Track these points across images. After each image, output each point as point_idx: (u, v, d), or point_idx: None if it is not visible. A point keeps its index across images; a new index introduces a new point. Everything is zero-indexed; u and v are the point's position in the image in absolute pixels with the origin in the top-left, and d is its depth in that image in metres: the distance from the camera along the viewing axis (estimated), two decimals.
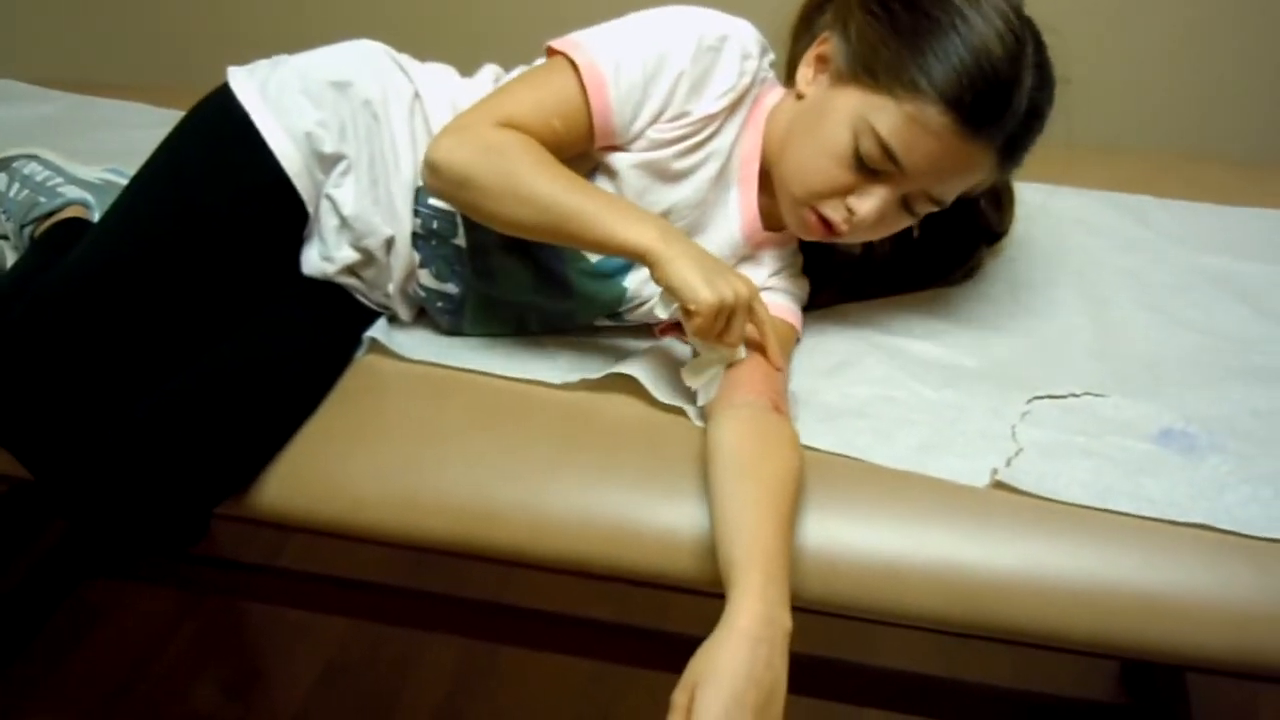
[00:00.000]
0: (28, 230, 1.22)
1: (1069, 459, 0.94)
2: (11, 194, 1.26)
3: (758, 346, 0.97)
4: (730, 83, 1.01)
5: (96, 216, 1.21)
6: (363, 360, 1.09)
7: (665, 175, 1.02)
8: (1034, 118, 0.97)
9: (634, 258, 0.93)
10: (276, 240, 1.07)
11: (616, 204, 0.95)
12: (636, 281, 1.06)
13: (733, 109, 1.02)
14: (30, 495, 1.00)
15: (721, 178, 1.05)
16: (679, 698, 0.76)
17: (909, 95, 0.93)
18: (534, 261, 1.06)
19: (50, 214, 1.22)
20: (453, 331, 1.12)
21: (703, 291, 0.89)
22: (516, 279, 1.07)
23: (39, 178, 1.25)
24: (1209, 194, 1.34)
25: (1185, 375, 1.05)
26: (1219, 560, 0.86)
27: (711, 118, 1.01)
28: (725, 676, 0.75)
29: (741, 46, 1.01)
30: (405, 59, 1.11)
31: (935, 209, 1.01)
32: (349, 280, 1.09)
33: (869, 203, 0.98)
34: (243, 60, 1.12)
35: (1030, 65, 0.95)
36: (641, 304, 1.07)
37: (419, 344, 1.10)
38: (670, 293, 0.92)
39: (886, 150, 0.95)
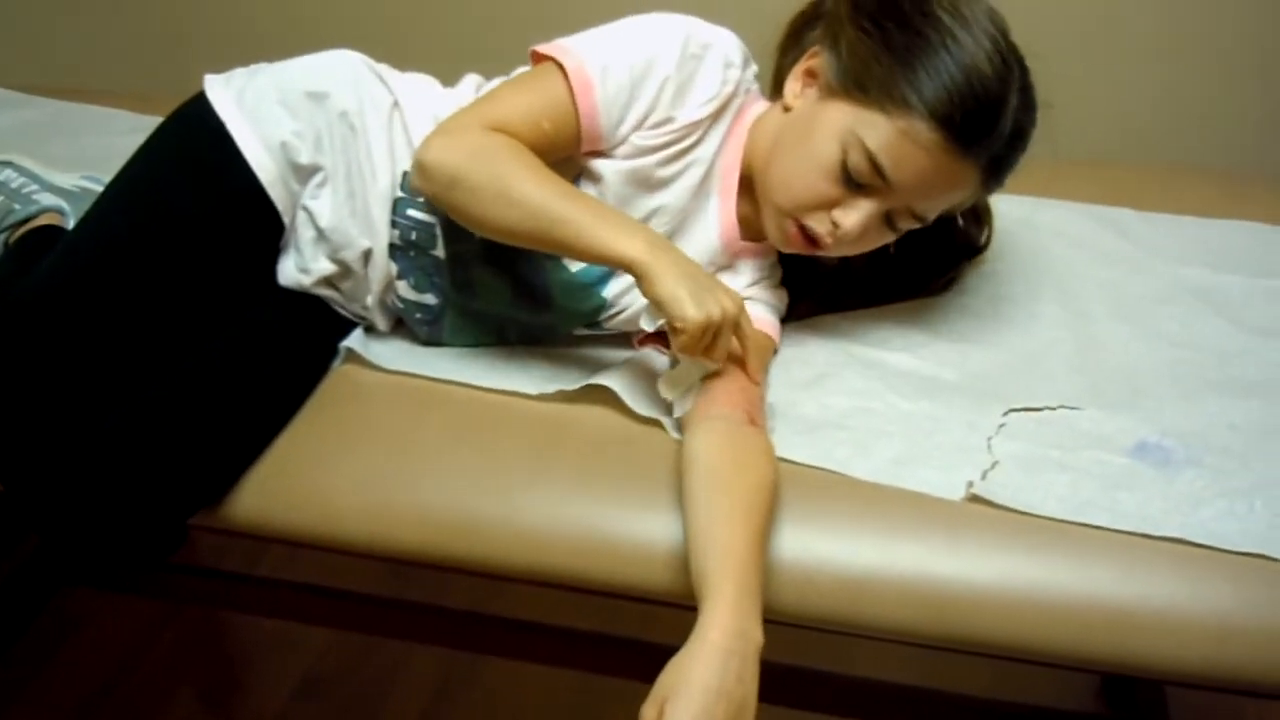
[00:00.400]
0: (2, 238, 1.22)
1: (1045, 472, 0.93)
2: None
3: (739, 362, 0.96)
4: (713, 90, 1.01)
5: (72, 224, 1.20)
6: (339, 370, 1.08)
7: (648, 183, 1.02)
8: (1018, 138, 0.98)
9: (622, 268, 0.93)
10: (252, 250, 1.07)
11: (606, 213, 0.95)
12: (615, 291, 1.06)
13: (716, 117, 1.03)
14: (4, 504, 0.99)
15: (702, 187, 1.05)
16: (648, 711, 0.75)
17: (899, 111, 0.94)
18: (513, 274, 1.05)
19: (25, 221, 1.22)
20: (431, 342, 1.11)
21: (690, 310, 0.88)
22: (495, 291, 1.07)
23: (14, 184, 1.25)
24: (1190, 207, 1.34)
25: (1163, 388, 1.04)
26: (1197, 574, 0.86)
27: (695, 125, 1.01)
28: (695, 690, 0.75)
29: (724, 55, 1.01)
30: (384, 69, 1.10)
31: (917, 225, 1.02)
32: (326, 292, 1.09)
33: (853, 216, 0.98)
34: (226, 67, 1.11)
35: (1017, 87, 0.96)
36: (620, 312, 1.07)
37: (396, 354, 1.09)
38: (657, 307, 0.91)
39: (875, 164, 0.95)
